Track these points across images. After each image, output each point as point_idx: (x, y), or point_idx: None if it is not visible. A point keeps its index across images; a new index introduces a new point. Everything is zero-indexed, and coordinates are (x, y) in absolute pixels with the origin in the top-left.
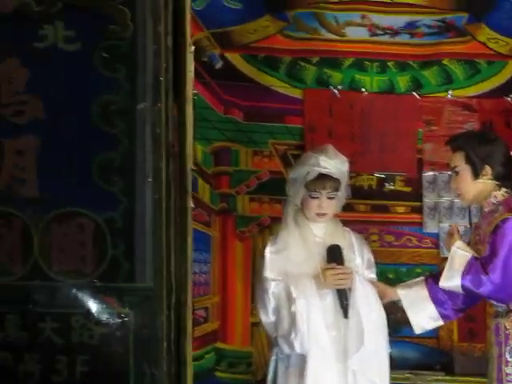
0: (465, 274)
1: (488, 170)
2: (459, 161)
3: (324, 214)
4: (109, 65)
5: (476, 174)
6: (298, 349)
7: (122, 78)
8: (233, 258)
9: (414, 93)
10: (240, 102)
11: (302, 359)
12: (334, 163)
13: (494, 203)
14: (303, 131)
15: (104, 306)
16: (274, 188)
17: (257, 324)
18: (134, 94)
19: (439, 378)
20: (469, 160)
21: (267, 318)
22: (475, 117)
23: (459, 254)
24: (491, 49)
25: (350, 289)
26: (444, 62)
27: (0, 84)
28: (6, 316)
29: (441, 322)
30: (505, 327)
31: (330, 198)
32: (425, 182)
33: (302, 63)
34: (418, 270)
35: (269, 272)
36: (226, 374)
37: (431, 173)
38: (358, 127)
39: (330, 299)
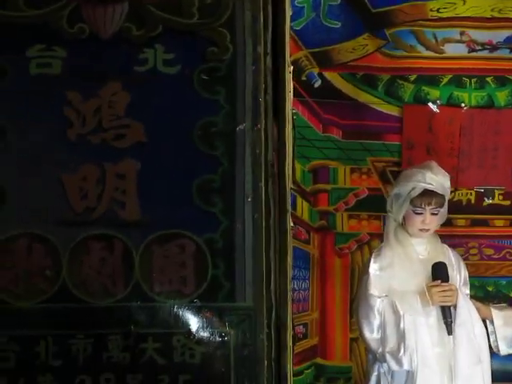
0: None
1: None
2: None
3: (427, 230)
4: (209, 87)
5: None
6: (406, 365)
7: (221, 100)
8: (331, 274)
9: None
10: (338, 121)
11: (406, 376)
12: (438, 179)
13: None
14: (401, 148)
15: (205, 325)
16: (373, 205)
17: (356, 339)
18: (234, 115)
19: None
20: None
21: (372, 334)
22: None
23: None
24: None
25: (454, 306)
26: None
27: (101, 108)
28: (109, 337)
29: None
30: None
31: (433, 214)
32: None
33: (400, 81)
34: None
35: (374, 289)
36: None
37: None
38: (457, 143)
39: (434, 316)
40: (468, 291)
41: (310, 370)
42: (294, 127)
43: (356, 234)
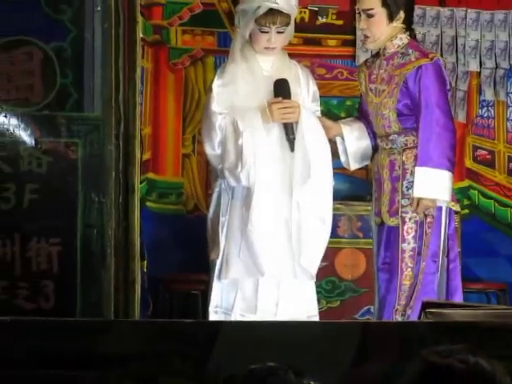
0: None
1: (402, 14)
2: (374, 3)
3: (273, 49)
4: None
5: (391, 18)
6: (244, 181)
7: None
8: (165, 89)
9: None
10: None
11: (247, 192)
12: None
13: (399, 45)
14: None
15: (52, 134)
16: (207, 20)
17: (188, 155)
18: None
19: (369, 208)
20: (385, 3)
21: (213, 150)
22: None
23: None
24: None
25: (296, 122)
26: None
27: None
28: None
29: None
30: (402, 162)
31: (279, 33)
32: (357, 15)
33: None
34: (349, 103)
35: (215, 105)
36: (157, 204)
37: None
38: None
39: (276, 133)
40: (318, 108)
41: (142, 185)
42: None
43: (189, 50)
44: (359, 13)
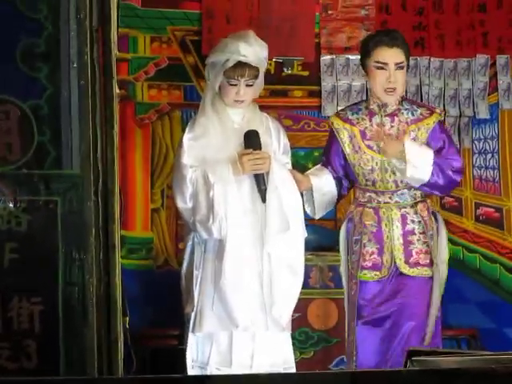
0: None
1: None
2: (402, 57)
3: (242, 101)
4: None
5: (406, 71)
6: (215, 234)
7: None
8: (132, 144)
9: None
10: None
11: (219, 244)
12: (253, 50)
13: (396, 102)
14: (201, 17)
15: (31, 193)
16: (173, 74)
17: (157, 210)
18: None
19: (339, 258)
20: (407, 58)
21: (184, 204)
22: (372, 0)
23: None
24: None
25: (267, 173)
26: None
27: None
28: None
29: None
30: (420, 215)
31: (248, 86)
32: (323, 65)
33: None
34: (316, 154)
35: (186, 158)
36: (127, 260)
37: (329, 56)
38: (256, 11)
39: (247, 185)
40: (289, 160)
41: None
42: None
43: (156, 104)
44: (381, 66)
